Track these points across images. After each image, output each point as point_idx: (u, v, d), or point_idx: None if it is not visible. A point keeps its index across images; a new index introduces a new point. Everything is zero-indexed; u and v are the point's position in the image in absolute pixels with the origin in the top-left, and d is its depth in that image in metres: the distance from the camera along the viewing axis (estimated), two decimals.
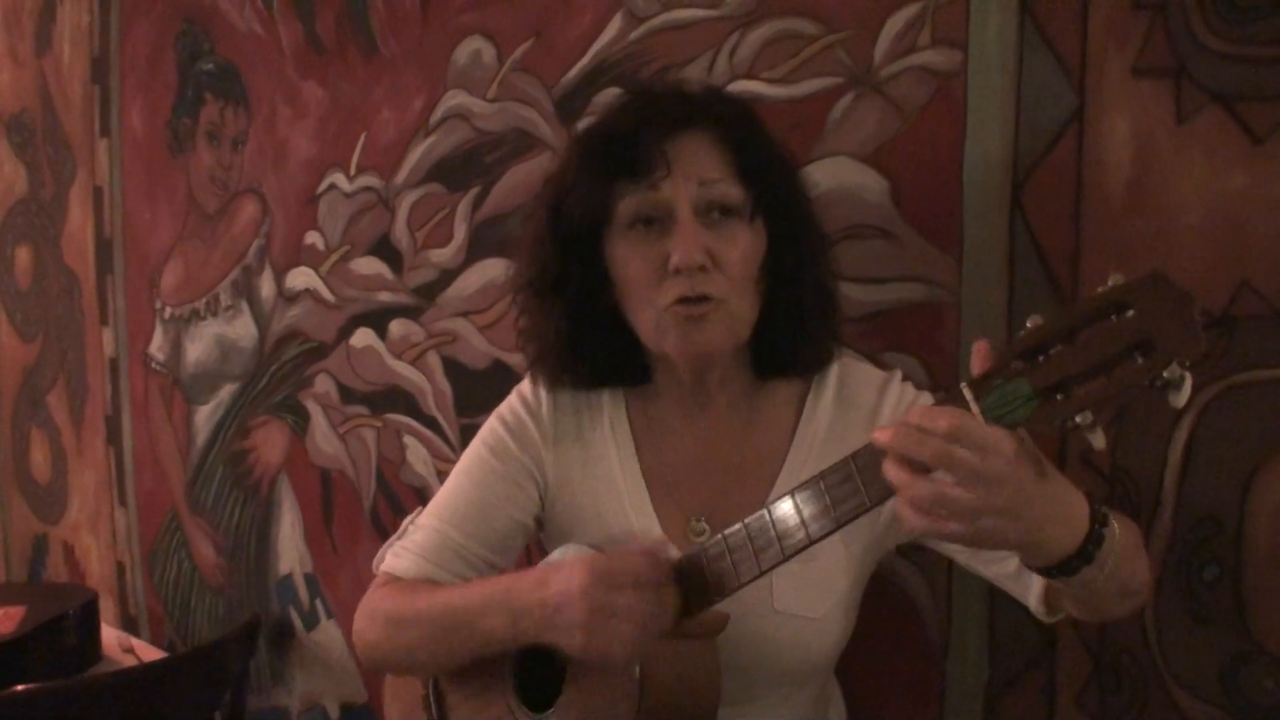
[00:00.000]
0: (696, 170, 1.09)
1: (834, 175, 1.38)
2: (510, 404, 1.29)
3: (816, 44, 1.40)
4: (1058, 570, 0.88)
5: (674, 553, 1.11)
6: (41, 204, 3.09)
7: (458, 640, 1.12)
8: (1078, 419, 0.79)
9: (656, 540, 1.12)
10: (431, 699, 1.26)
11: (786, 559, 0.98)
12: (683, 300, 1.08)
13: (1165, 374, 0.75)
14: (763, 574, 1.00)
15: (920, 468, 0.82)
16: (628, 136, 1.11)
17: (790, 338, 1.16)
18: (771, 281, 1.14)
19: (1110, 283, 0.78)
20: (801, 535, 0.96)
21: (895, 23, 1.33)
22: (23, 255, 3.21)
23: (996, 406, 0.82)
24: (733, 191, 1.09)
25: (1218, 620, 1.16)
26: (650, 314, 1.12)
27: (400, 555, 1.24)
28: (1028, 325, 0.82)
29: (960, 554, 1.14)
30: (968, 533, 0.82)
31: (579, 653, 1.01)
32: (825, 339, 1.19)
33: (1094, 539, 0.87)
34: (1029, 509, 0.82)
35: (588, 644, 0.99)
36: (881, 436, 0.85)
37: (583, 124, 1.31)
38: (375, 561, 1.29)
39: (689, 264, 1.06)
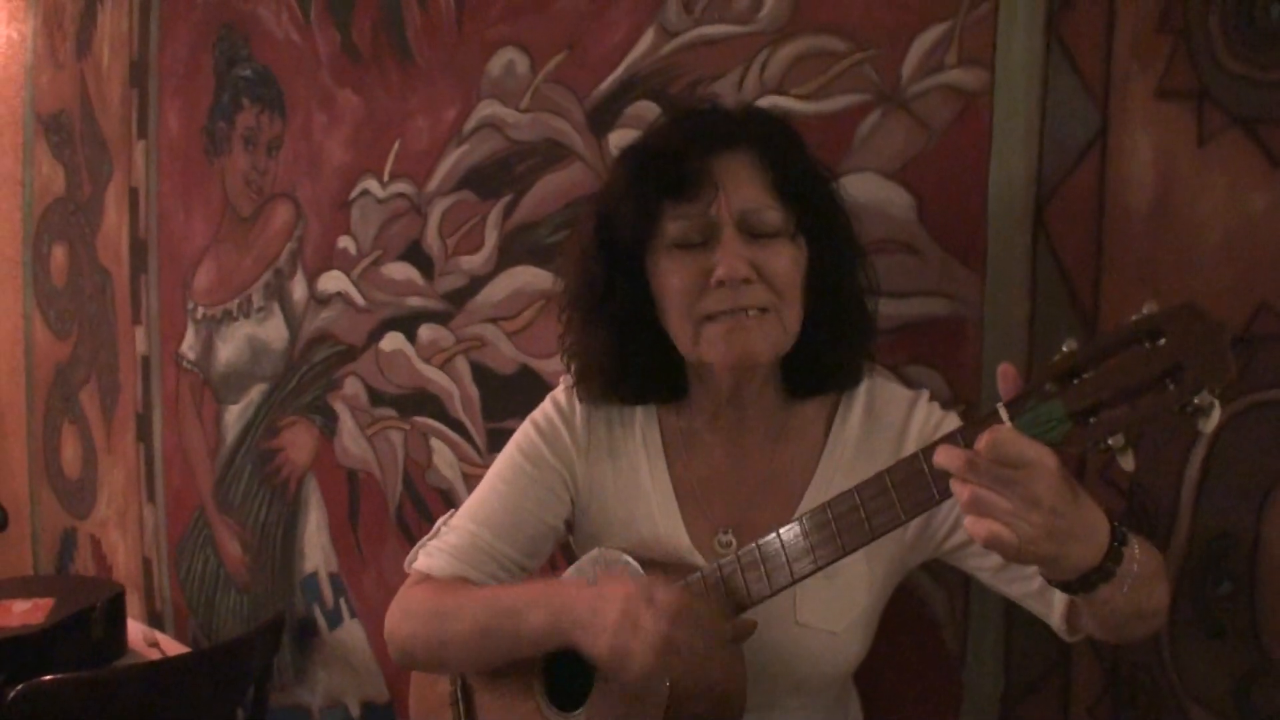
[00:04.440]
0: (740, 192, 1.10)
1: (861, 190, 1.39)
2: (545, 410, 1.31)
3: (845, 61, 1.43)
4: (1077, 585, 0.89)
5: (700, 561, 1.13)
6: (78, 203, 3.14)
7: (499, 635, 1.14)
8: (1109, 441, 0.81)
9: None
10: (459, 696, 1.29)
11: (820, 568, 1.00)
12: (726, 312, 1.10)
13: (1195, 400, 0.77)
14: (796, 582, 1.02)
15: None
16: (674, 156, 1.12)
17: (826, 354, 1.17)
18: (812, 297, 1.15)
19: (1144, 310, 0.80)
20: (835, 546, 0.98)
21: (923, 42, 1.35)
22: (58, 253, 3.26)
23: (1031, 427, 0.84)
24: (775, 215, 1.11)
25: (1231, 635, 1.17)
26: (689, 325, 1.13)
27: (434, 555, 1.27)
28: (1063, 349, 0.84)
29: (984, 573, 1.16)
30: (1013, 545, 0.84)
31: (601, 655, 1.03)
32: (859, 356, 1.20)
33: (1113, 557, 0.88)
34: (1061, 526, 0.84)
35: (611, 649, 1.01)
36: (942, 458, 0.87)
37: (627, 141, 1.32)
38: (407, 561, 1.31)
39: (733, 277, 1.08)
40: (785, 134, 1.17)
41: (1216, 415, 0.78)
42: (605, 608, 1.02)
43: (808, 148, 1.18)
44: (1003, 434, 0.83)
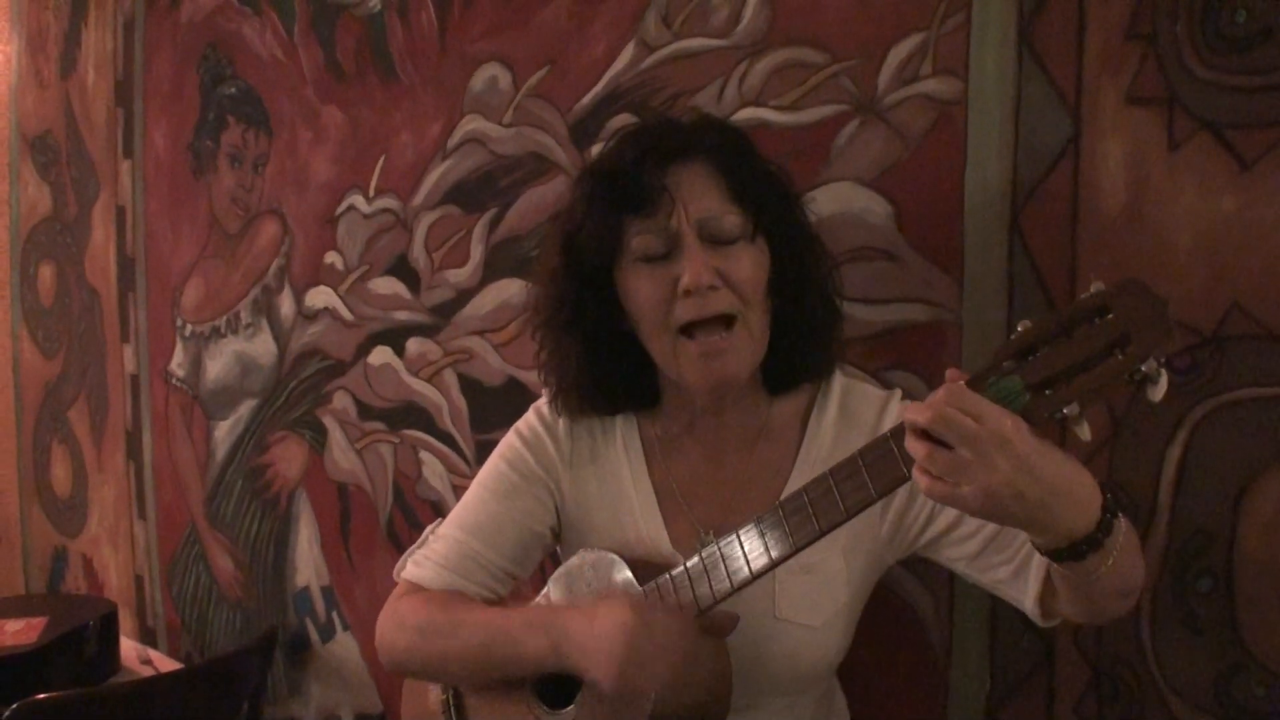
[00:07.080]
0: (697, 201, 1.12)
1: (839, 199, 1.42)
2: (529, 421, 1.33)
3: (822, 73, 1.45)
4: (1067, 553, 0.90)
5: (680, 560, 1.15)
6: (65, 223, 3.14)
7: (497, 657, 1.16)
8: (1065, 411, 0.85)
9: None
10: (450, 702, 1.30)
11: (798, 550, 1.02)
12: (693, 326, 1.12)
13: (1143, 369, 0.81)
14: (775, 565, 1.04)
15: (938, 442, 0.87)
16: (630, 172, 1.14)
17: (797, 351, 1.20)
18: (777, 298, 1.17)
19: (1092, 289, 0.85)
20: (811, 528, 1.01)
21: (898, 53, 1.37)
22: (45, 273, 3.26)
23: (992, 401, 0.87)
24: (734, 220, 1.12)
25: (1211, 630, 1.19)
26: (665, 339, 1.15)
27: (422, 565, 1.28)
28: (1018, 329, 0.88)
29: (959, 564, 1.17)
30: (975, 499, 0.85)
31: (600, 682, 1.05)
32: (829, 346, 1.22)
33: (1105, 527, 0.90)
34: (1033, 482, 0.85)
35: (610, 678, 1.04)
36: (910, 414, 0.89)
37: (589, 158, 1.34)
38: (396, 570, 1.32)
39: (699, 284, 1.09)
40: (737, 141, 1.18)
41: (1164, 384, 0.82)
42: (604, 637, 1.05)
43: (759, 152, 1.19)
44: (959, 386, 0.86)
